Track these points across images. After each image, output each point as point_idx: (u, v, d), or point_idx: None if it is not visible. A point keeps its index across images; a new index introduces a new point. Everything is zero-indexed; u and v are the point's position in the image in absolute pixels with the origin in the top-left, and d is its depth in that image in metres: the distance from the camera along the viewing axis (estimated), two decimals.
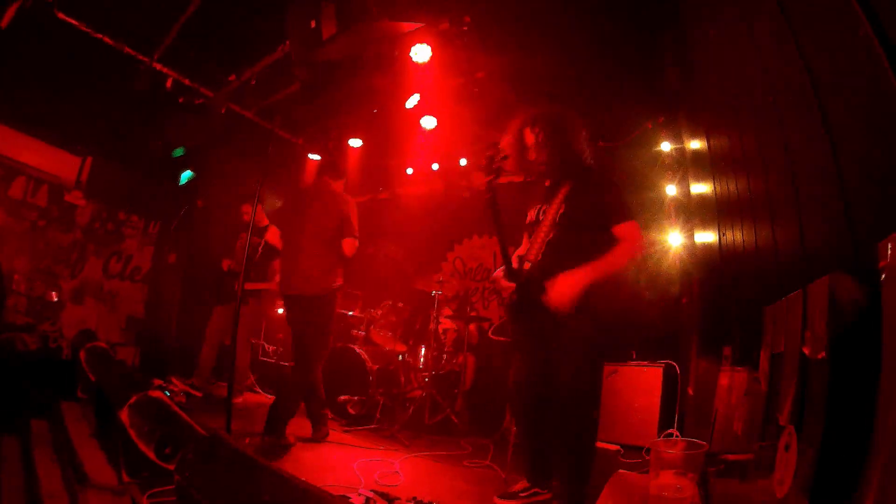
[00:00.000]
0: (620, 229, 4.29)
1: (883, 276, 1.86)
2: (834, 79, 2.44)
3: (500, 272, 4.56)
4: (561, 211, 4.50)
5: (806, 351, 2.39)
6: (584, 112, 8.28)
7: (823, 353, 2.18)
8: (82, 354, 5.27)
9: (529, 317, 4.48)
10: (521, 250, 4.77)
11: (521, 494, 4.55)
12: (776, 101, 3.18)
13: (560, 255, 4.35)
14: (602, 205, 4.40)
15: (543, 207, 4.64)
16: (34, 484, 3.42)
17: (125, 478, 3.37)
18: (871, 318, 1.91)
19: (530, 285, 4.38)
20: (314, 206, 6.59)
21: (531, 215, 4.78)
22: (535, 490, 4.58)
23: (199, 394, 8.05)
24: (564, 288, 4.10)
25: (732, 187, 4.50)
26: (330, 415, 7.52)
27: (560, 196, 4.57)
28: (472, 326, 8.96)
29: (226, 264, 8.66)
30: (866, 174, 2.18)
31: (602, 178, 4.57)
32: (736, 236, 4.46)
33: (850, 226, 2.27)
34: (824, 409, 2.10)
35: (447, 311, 9.32)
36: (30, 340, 7.67)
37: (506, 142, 4.71)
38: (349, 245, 6.56)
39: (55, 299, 9.17)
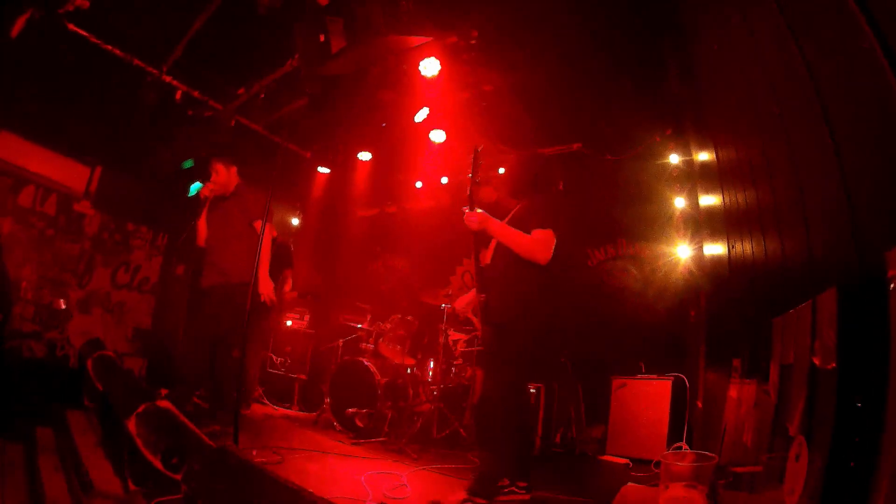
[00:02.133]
0: (536, 233, 4.75)
1: (891, 285, 1.85)
2: (839, 89, 2.44)
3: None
4: (507, 220, 5.01)
5: (815, 361, 2.38)
6: (592, 125, 8.36)
7: (833, 363, 2.17)
8: (90, 363, 5.27)
9: (485, 319, 4.92)
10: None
11: (504, 491, 4.75)
12: (782, 112, 3.18)
13: (503, 258, 4.88)
14: (529, 211, 4.92)
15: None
16: (38, 491, 3.41)
17: (131, 486, 3.36)
18: (879, 328, 1.90)
19: (487, 284, 4.87)
20: None
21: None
22: (512, 488, 4.75)
23: (206, 405, 8.04)
24: (479, 217, 4.79)
25: (741, 199, 4.51)
26: (339, 427, 7.55)
27: (512, 212, 5.12)
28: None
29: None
30: (873, 184, 2.17)
31: (538, 190, 5.13)
32: (745, 248, 4.45)
33: (858, 235, 2.26)
34: (833, 418, 2.09)
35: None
36: (37, 348, 7.68)
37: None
38: None
39: (63, 308, 9.17)
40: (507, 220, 5.00)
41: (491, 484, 4.57)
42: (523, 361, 4.71)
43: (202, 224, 6.99)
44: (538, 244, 4.69)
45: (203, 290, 6.80)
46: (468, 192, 4.88)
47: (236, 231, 6.81)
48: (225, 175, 6.91)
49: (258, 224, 6.74)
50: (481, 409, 5.10)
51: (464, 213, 4.88)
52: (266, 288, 6.61)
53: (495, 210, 5.04)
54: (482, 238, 4.99)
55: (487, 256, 5.09)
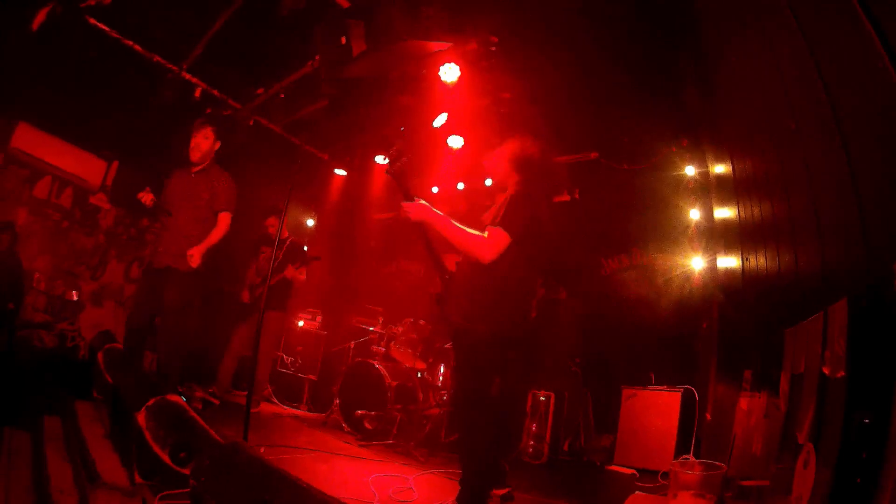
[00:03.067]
0: (489, 230, 4.42)
1: None
2: (854, 105, 2.45)
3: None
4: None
5: (825, 370, 2.38)
6: (609, 134, 8.35)
7: (842, 372, 2.17)
8: (100, 355, 5.29)
9: (445, 318, 4.83)
10: None
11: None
12: (798, 127, 3.18)
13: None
14: (501, 208, 4.61)
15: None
16: (44, 480, 3.43)
17: (137, 479, 3.37)
18: (888, 337, 1.90)
19: (452, 282, 4.76)
20: None
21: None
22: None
23: (216, 402, 8.09)
24: (416, 207, 4.56)
25: (756, 211, 4.49)
26: (347, 428, 7.56)
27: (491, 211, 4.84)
28: None
29: (246, 296, 8.68)
30: (884, 198, 2.18)
31: (517, 195, 4.73)
32: (759, 260, 4.44)
33: (868, 248, 2.26)
34: (841, 427, 2.09)
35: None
36: (47, 338, 7.71)
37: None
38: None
39: (75, 299, 9.23)
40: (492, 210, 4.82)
41: (477, 492, 4.38)
42: (484, 366, 4.45)
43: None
44: (479, 242, 4.37)
45: (155, 270, 6.55)
46: (401, 182, 4.55)
47: (197, 214, 6.62)
48: (210, 144, 6.76)
49: (223, 216, 6.63)
50: (452, 413, 4.96)
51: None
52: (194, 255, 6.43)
53: None
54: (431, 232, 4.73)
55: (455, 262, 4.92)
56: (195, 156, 6.69)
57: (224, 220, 6.60)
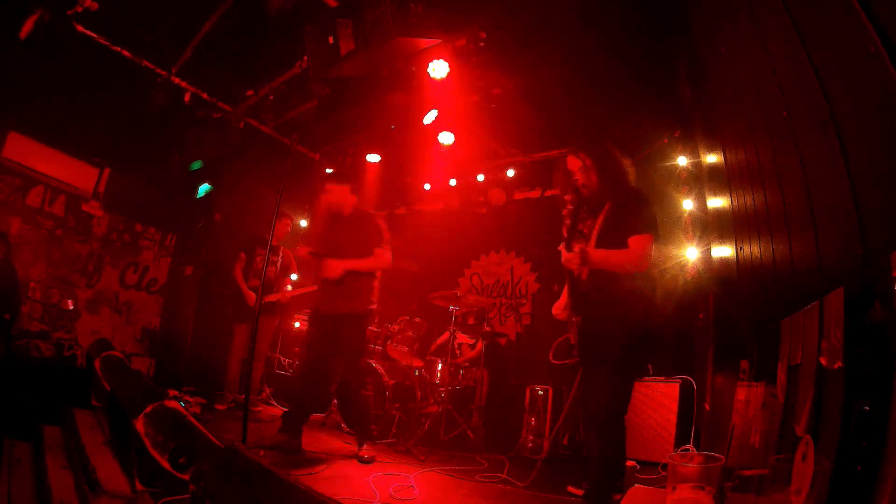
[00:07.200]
0: (633, 240, 4.51)
1: None
2: (847, 94, 2.44)
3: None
4: (599, 227, 4.75)
5: (822, 361, 2.38)
6: (601, 127, 8.34)
7: (839, 363, 2.17)
8: (98, 363, 5.27)
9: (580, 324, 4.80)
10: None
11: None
12: (791, 116, 3.18)
13: (600, 273, 4.66)
14: (626, 220, 4.64)
15: (589, 222, 4.86)
16: (45, 489, 3.42)
17: (138, 486, 3.36)
18: (885, 327, 1.90)
19: (582, 296, 4.79)
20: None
21: (581, 228, 4.94)
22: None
23: (223, 406, 8.12)
24: (579, 258, 4.50)
25: (749, 201, 4.50)
26: (346, 428, 7.56)
27: (602, 214, 4.81)
28: (487, 342, 8.94)
29: (252, 299, 8.57)
30: (879, 187, 2.17)
31: (633, 195, 4.84)
32: (753, 250, 4.45)
33: (864, 238, 2.26)
34: (840, 417, 2.09)
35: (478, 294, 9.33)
36: (44, 347, 7.71)
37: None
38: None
39: (70, 307, 9.22)
40: (599, 219, 4.81)
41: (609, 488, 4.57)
42: (621, 367, 4.58)
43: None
44: (635, 256, 4.54)
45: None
46: (566, 235, 4.67)
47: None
48: (355, 198, 6.68)
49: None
50: (590, 421, 4.98)
51: (561, 252, 4.68)
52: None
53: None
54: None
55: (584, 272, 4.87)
56: (346, 210, 6.61)
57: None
